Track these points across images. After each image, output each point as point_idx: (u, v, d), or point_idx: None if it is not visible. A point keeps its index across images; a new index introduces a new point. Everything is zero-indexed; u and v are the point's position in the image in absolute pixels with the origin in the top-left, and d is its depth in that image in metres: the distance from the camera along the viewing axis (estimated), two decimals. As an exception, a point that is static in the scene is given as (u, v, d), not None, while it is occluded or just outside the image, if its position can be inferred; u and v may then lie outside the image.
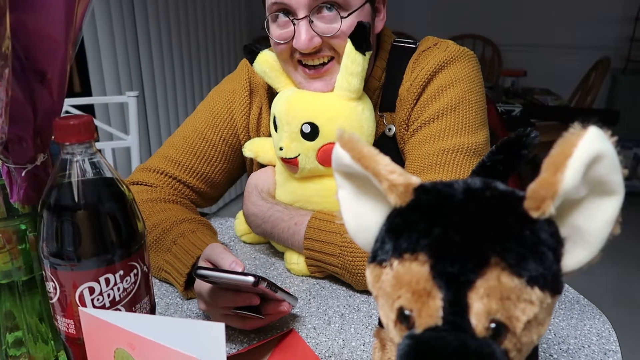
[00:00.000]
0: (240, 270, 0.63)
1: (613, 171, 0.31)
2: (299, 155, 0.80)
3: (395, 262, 0.33)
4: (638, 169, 3.38)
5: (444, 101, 0.81)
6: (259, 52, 0.84)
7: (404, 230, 0.34)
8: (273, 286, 0.62)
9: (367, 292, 0.78)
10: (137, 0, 2.30)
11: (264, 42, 0.89)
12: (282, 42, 0.79)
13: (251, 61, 0.85)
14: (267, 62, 0.84)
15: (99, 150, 0.50)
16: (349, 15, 0.76)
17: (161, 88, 2.53)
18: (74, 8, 0.47)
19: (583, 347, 0.65)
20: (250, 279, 0.57)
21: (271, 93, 0.93)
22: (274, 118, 0.83)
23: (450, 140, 0.80)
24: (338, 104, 0.79)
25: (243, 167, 0.99)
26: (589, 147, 0.29)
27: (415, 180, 0.35)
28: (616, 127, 3.13)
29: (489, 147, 0.83)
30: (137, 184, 0.92)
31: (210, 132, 0.93)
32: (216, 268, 0.65)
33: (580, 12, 3.54)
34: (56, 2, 0.45)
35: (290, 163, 0.82)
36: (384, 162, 0.35)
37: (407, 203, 0.35)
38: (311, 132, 0.79)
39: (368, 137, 0.83)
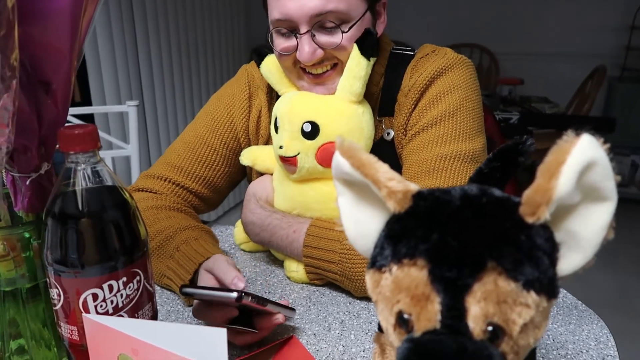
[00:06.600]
0: (242, 286, 0.64)
1: (606, 178, 0.31)
2: (298, 154, 0.81)
3: (395, 267, 0.34)
4: (635, 176, 3.39)
5: (442, 107, 0.82)
6: (266, 55, 0.87)
7: (402, 236, 0.35)
8: (261, 300, 0.61)
9: (366, 299, 0.79)
10: (137, 10, 2.32)
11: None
12: (285, 53, 0.81)
13: (259, 62, 0.88)
14: (274, 65, 0.87)
15: (102, 159, 0.51)
16: (349, 29, 0.78)
17: (161, 97, 2.54)
18: (80, 19, 0.48)
19: (581, 352, 0.66)
20: (234, 294, 0.58)
21: (270, 97, 0.95)
22: (275, 119, 0.84)
23: (448, 146, 0.81)
24: (340, 105, 0.81)
25: (244, 170, 1.00)
26: (582, 154, 0.30)
27: (414, 187, 0.36)
28: (613, 134, 3.15)
29: (486, 154, 0.84)
30: (142, 190, 0.93)
31: (211, 137, 0.95)
32: (201, 286, 0.68)
33: (577, 21, 3.58)
34: (62, 14, 0.46)
35: (289, 162, 0.82)
36: (383, 170, 0.36)
37: (406, 209, 0.36)
38: (312, 131, 0.80)
39: (368, 140, 0.84)
